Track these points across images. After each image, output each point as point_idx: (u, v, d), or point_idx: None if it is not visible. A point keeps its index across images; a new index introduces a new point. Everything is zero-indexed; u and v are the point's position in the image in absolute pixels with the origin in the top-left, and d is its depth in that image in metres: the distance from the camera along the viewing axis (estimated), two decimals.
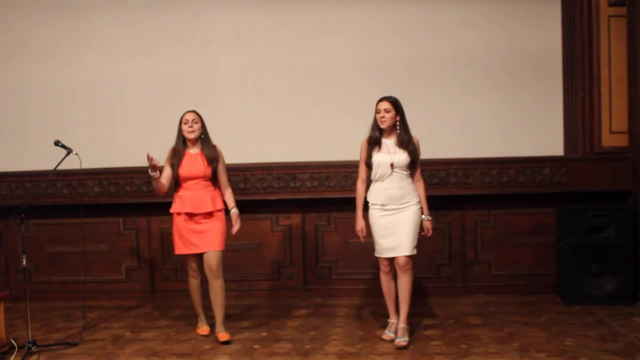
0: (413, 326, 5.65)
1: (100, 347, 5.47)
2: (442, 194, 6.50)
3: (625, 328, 5.55)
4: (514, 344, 5.23)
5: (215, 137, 6.99)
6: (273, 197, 6.64)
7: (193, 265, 5.60)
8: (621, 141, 6.54)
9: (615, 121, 6.57)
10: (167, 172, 5.50)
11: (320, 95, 7.03)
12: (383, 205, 5.28)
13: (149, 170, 5.30)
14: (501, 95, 7.02)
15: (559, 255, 6.51)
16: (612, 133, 6.58)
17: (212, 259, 5.46)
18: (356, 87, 6.94)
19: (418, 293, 6.53)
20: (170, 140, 6.77)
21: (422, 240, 5.38)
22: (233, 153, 6.87)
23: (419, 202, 5.34)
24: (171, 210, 5.54)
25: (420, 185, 5.38)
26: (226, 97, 7.09)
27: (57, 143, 5.67)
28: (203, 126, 5.57)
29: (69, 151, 5.62)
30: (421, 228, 5.37)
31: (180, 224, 5.49)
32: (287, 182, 6.63)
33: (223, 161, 5.60)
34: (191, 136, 5.50)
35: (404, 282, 5.31)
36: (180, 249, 5.55)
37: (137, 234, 6.93)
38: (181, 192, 5.49)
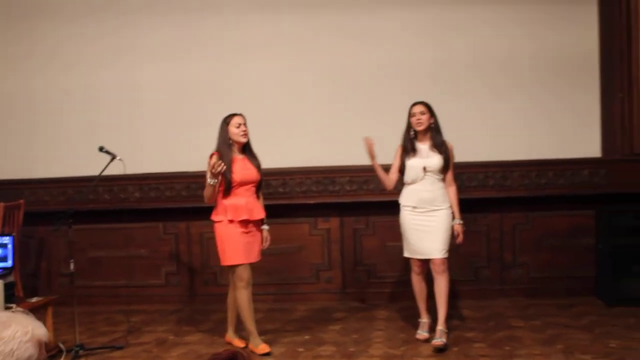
0: (454, 329, 5.68)
1: (146, 350, 5.54)
2: (481, 197, 6.50)
3: None
4: (557, 346, 5.23)
5: (255, 142, 7.05)
6: (312, 201, 6.69)
7: (245, 275, 5.24)
8: None
9: None
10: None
11: (358, 99, 7.01)
12: (414, 207, 5.37)
13: (209, 177, 5.06)
14: (538, 96, 6.96)
15: (599, 257, 6.50)
16: None
17: (251, 269, 5.36)
18: (391, 91, 6.91)
19: (457, 295, 6.55)
20: (207, 145, 6.84)
21: (460, 243, 5.43)
22: (272, 157, 6.93)
23: (450, 206, 5.38)
24: (219, 219, 5.25)
25: (453, 189, 5.42)
26: (265, 101, 7.10)
27: (101, 149, 5.72)
28: None
29: (114, 157, 5.66)
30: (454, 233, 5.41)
31: (235, 232, 5.20)
32: (326, 186, 6.68)
33: None
34: (244, 139, 5.31)
35: (440, 284, 5.36)
36: (239, 258, 5.21)
37: (177, 238, 7.01)
38: (232, 199, 5.22)
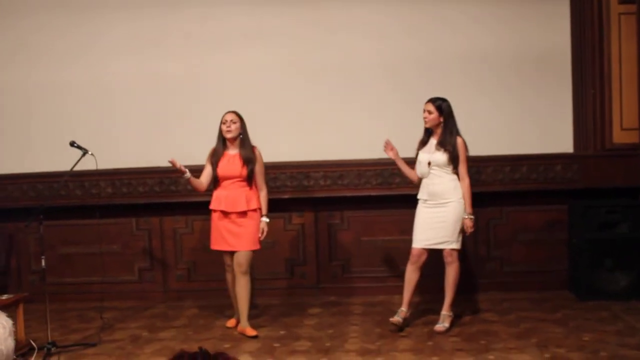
0: (429, 323, 5.71)
1: (119, 347, 5.47)
2: None
3: None
4: (532, 340, 5.26)
5: None
6: (286, 196, 6.64)
7: (227, 260, 5.76)
8: (632, 137, 6.56)
9: (625, 118, 6.60)
10: (208, 171, 5.69)
11: (333, 94, 6.98)
12: (426, 200, 5.62)
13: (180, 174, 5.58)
14: (511, 93, 6.99)
15: (572, 251, 6.54)
16: (623, 130, 6.60)
17: (242, 257, 5.63)
18: (369, 85, 6.92)
19: (432, 290, 6.51)
20: (181, 140, 6.84)
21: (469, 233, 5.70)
22: None
23: (462, 198, 5.55)
24: (210, 207, 5.73)
25: (464, 184, 5.60)
26: (237, 96, 7.00)
27: (72, 144, 5.63)
28: (243, 127, 5.67)
29: (85, 152, 5.58)
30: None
31: (216, 221, 5.69)
32: (301, 181, 6.65)
33: (261, 163, 5.71)
34: (228, 136, 5.63)
35: (448, 273, 5.68)
36: (212, 244, 5.76)
37: (150, 234, 6.93)
38: (218, 191, 5.68)
